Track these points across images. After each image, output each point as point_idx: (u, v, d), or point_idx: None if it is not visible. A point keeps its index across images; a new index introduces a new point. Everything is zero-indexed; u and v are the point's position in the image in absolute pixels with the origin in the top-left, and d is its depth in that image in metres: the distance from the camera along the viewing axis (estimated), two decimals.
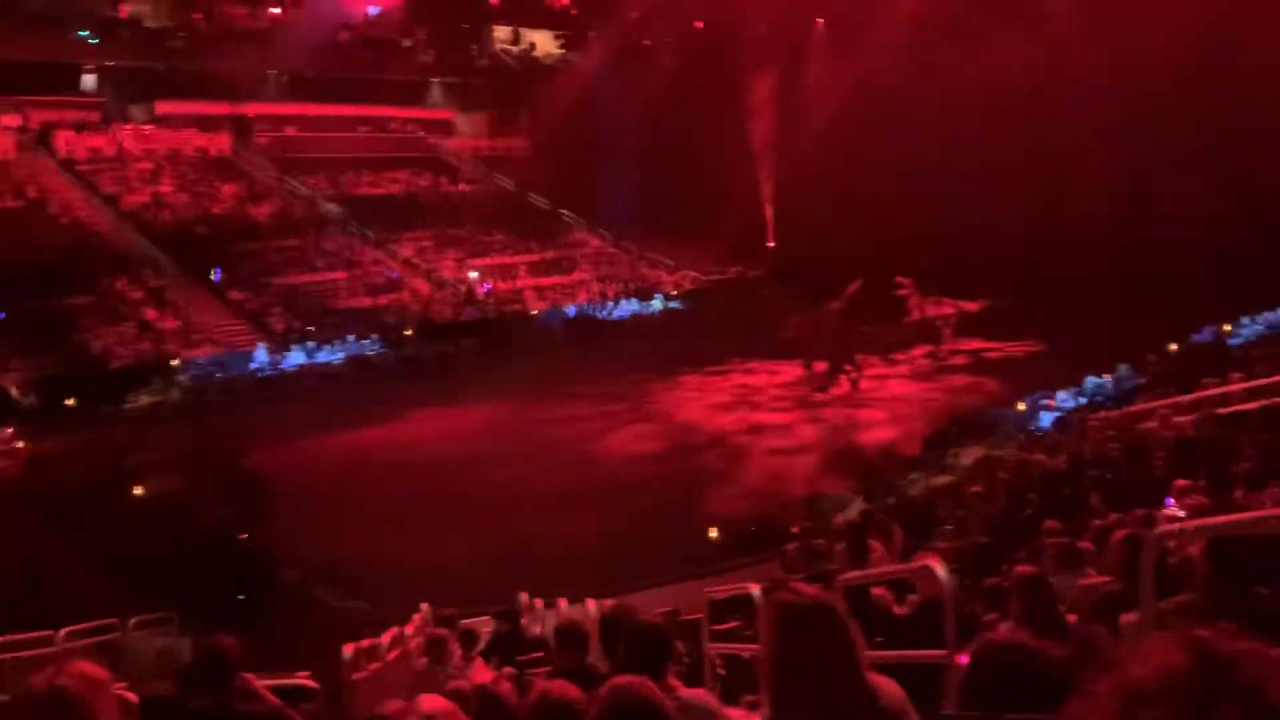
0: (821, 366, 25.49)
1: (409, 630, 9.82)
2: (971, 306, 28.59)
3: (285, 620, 13.19)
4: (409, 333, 32.44)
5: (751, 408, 24.43)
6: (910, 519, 11.97)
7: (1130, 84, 32.96)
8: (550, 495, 17.72)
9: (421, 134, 47.83)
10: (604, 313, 37.04)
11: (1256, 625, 3.80)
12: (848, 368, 25.17)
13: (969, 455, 17.76)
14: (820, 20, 44.91)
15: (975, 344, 28.84)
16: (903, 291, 28.84)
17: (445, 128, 49.55)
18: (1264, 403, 11.85)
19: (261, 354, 29.25)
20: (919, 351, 28.67)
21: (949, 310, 28.68)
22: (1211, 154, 30.79)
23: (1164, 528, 3.90)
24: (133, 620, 12.16)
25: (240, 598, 13.89)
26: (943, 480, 16.46)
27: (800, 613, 2.81)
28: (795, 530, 12.77)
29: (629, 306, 37.58)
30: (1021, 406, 19.69)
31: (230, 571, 14.20)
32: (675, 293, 39.79)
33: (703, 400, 25.44)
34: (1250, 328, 21.60)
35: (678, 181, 40.11)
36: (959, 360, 28.14)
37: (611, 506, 16.75)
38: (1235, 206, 29.58)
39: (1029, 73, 34.89)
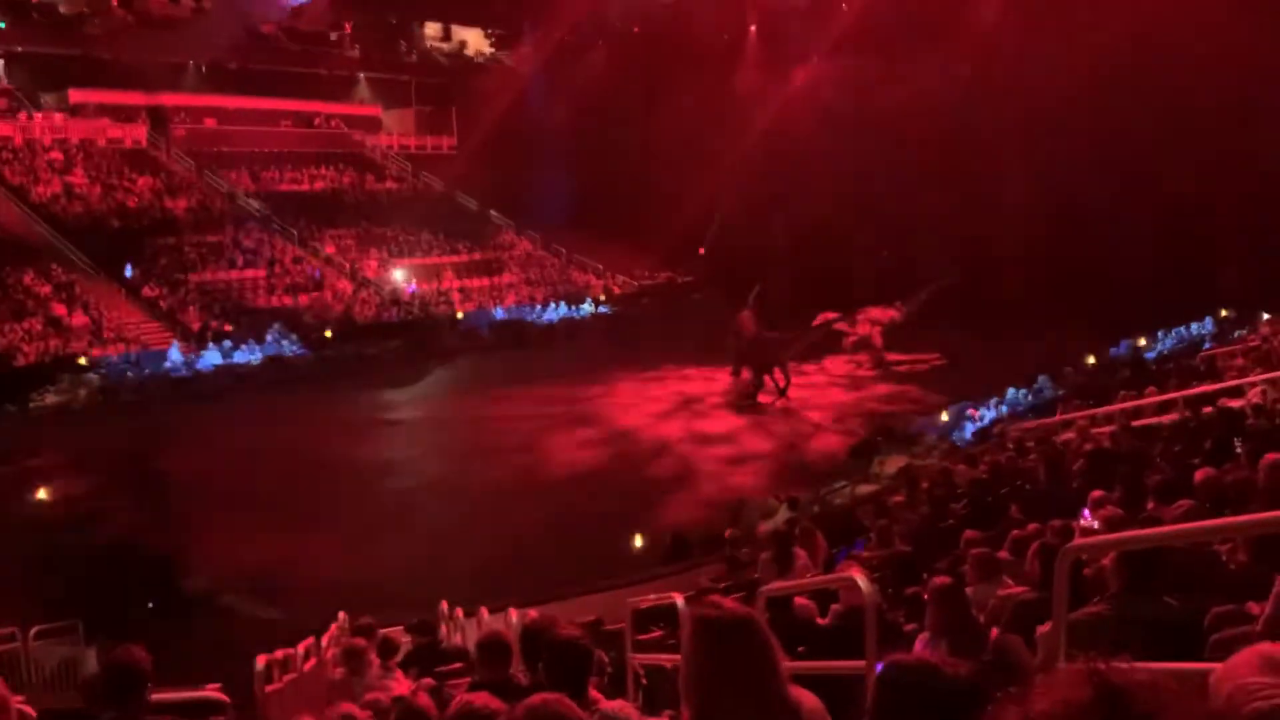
0: (746, 374, 25.63)
1: (325, 640, 9.57)
2: (889, 314, 29.10)
3: (195, 629, 12.80)
4: (329, 333, 31.84)
5: (690, 413, 24.43)
6: (834, 527, 12.07)
7: (1053, 102, 33.77)
8: (474, 500, 17.51)
9: (347, 130, 47.04)
10: (533, 316, 36.83)
11: (1166, 634, 3.85)
12: (776, 374, 25.32)
13: (893, 464, 18.00)
14: (753, 28, 45.28)
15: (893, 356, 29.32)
16: (836, 325, 29.23)
17: (372, 124, 48.80)
18: (1176, 416, 12.20)
19: (175, 353, 28.42)
20: (862, 357, 29.06)
21: (879, 318, 29.14)
22: (1133, 171, 31.70)
23: (1076, 542, 3.93)
24: (33, 629, 11.68)
25: (148, 605, 13.44)
26: (867, 489, 16.64)
27: (720, 628, 2.79)
28: (727, 536, 12.77)
29: (558, 310, 37.41)
30: (945, 417, 20.00)
31: (138, 578, 13.72)
32: (605, 297, 39.73)
33: (634, 405, 25.39)
34: (1165, 342, 22.29)
35: (609, 185, 40.13)
36: (895, 369, 28.65)
37: (538, 512, 16.60)
38: (1154, 224, 30.52)
39: (955, 87, 35.63)
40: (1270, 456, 6.73)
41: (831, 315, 28.88)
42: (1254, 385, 11.98)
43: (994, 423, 18.28)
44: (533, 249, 43.62)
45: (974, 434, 18.28)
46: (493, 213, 44.31)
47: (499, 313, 36.62)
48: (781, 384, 25.19)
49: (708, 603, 2.95)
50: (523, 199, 42.82)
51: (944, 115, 35.64)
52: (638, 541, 14.62)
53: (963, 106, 35.62)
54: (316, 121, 46.29)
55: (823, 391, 26.37)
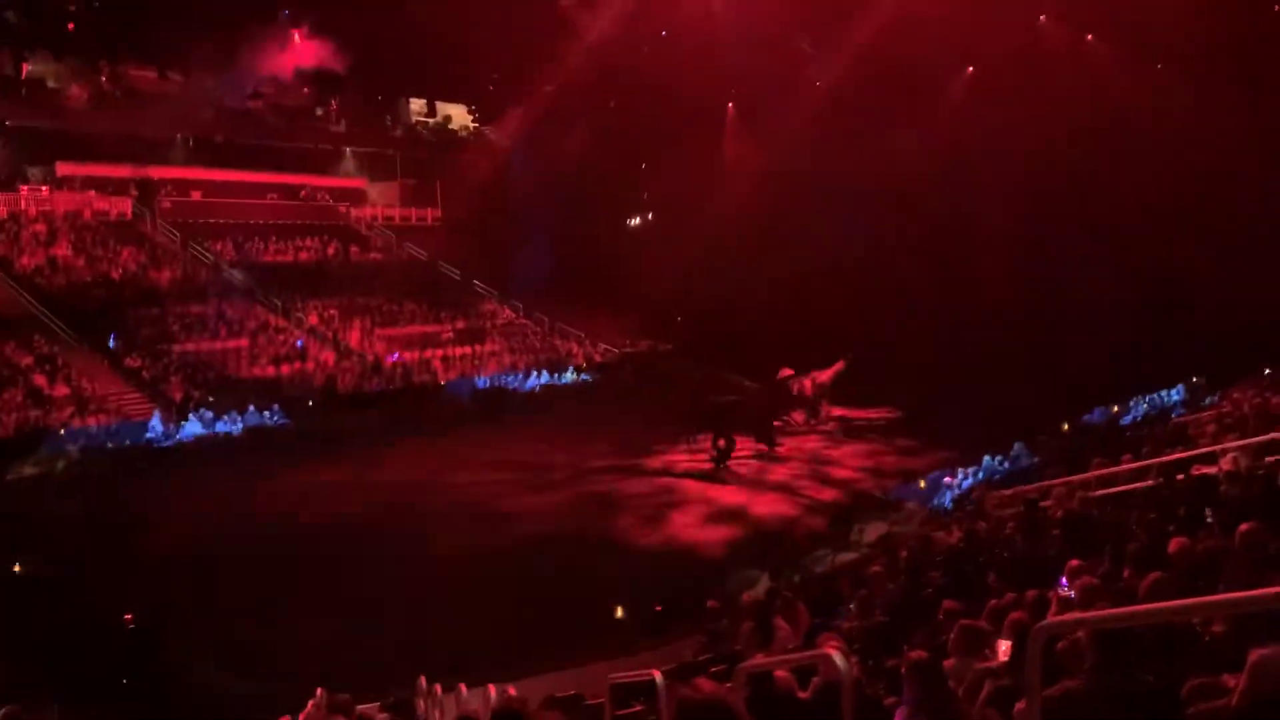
0: (705, 442, 25.96)
1: (301, 718, 9.43)
2: (828, 374, 29.85)
3: (170, 706, 12.58)
4: (312, 403, 31.75)
5: (669, 478, 24.40)
6: (816, 597, 12.04)
7: (1028, 173, 34.53)
8: (457, 573, 17.37)
9: (332, 202, 47.45)
10: (514, 383, 36.87)
11: (1142, 709, 3.90)
12: (720, 442, 25.66)
13: (873, 532, 18.03)
14: (730, 105, 46.16)
15: (841, 411, 29.94)
16: (791, 380, 29.89)
17: (357, 196, 49.28)
18: (1150, 482, 12.30)
19: (157, 423, 28.28)
20: (798, 418, 29.70)
21: (824, 379, 29.77)
22: (1105, 241, 32.33)
23: (1047, 621, 3.98)
24: (3, 710, 11.44)
25: (124, 682, 13.20)
26: (847, 557, 16.63)
27: (695, 710, 2.86)
28: (708, 607, 12.71)
29: (540, 378, 37.47)
30: (922, 484, 20.07)
31: (114, 654, 13.50)
32: (586, 365, 39.85)
33: (611, 469, 25.37)
34: (1138, 409, 22.52)
35: (590, 255, 40.55)
36: (832, 426, 29.40)
37: (518, 583, 16.48)
38: (1125, 292, 31.04)
39: (932, 158, 36.35)
40: (1244, 526, 6.82)
41: (789, 372, 29.70)
42: (1226, 452, 12.11)
43: (971, 489, 18.36)
44: (515, 317, 43.84)
45: (953, 501, 18.34)
46: (475, 282, 44.61)
47: (481, 381, 36.65)
48: (723, 448, 25.54)
49: (688, 684, 3.01)
50: (505, 268, 43.21)
51: (921, 185, 36.33)
52: (619, 613, 14.52)
53: (939, 177, 36.31)
54: (302, 194, 46.71)
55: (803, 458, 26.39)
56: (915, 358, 30.62)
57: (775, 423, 26.66)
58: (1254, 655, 4.43)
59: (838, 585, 13.33)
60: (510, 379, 37.13)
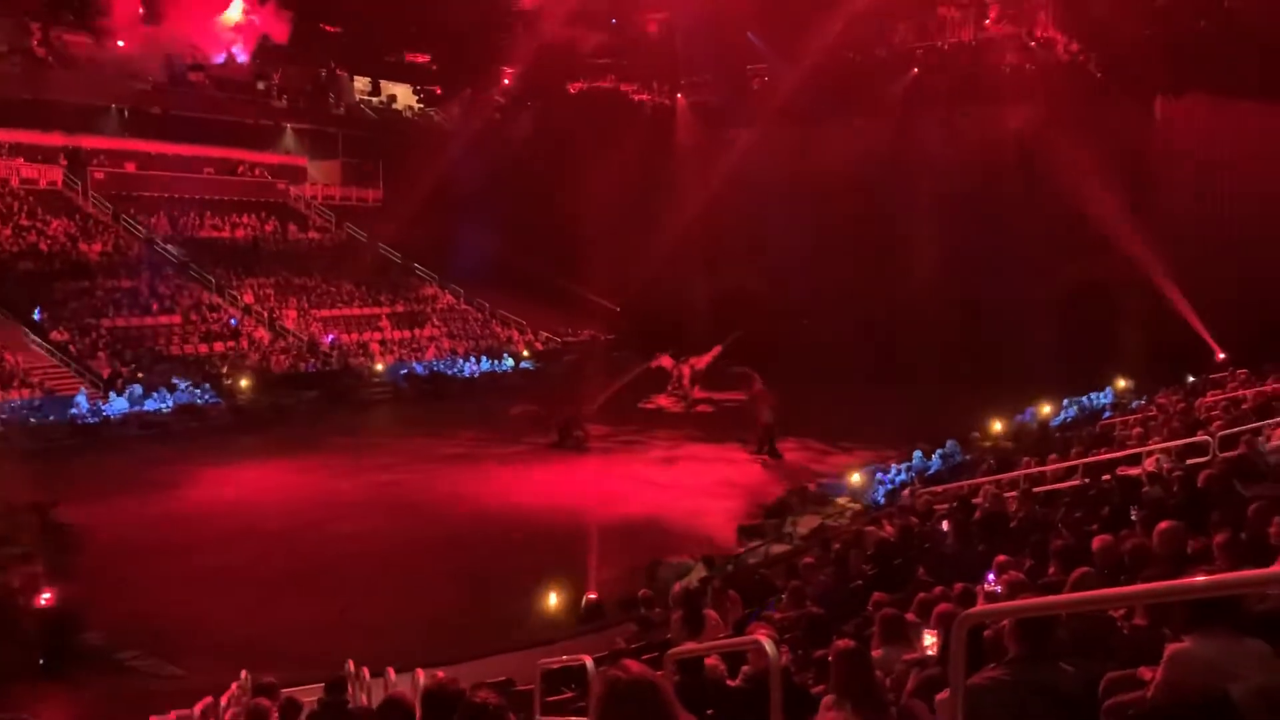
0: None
1: (224, 700, 9.28)
2: (704, 360, 30.75)
3: (90, 688, 12.29)
4: (245, 382, 31.19)
5: (604, 467, 24.35)
6: (748, 588, 12.13)
7: (964, 177, 35.05)
8: (384, 556, 17.20)
9: (270, 179, 46.58)
10: (453, 369, 36.59)
11: (1062, 700, 3.97)
12: (576, 431, 26.16)
13: (806, 525, 18.21)
14: (680, 96, 46.17)
15: (707, 394, 31.10)
16: (667, 367, 31.23)
17: (297, 174, 48.41)
18: (1076, 482, 12.59)
19: (83, 400, 27.57)
20: (670, 403, 30.93)
21: (700, 365, 31.04)
22: (1038, 248, 32.95)
23: (971, 610, 4.04)
24: None
25: (40, 663, 12.86)
26: (780, 549, 16.77)
27: (622, 689, 2.86)
28: (640, 596, 12.73)
29: (479, 365, 37.23)
30: (857, 479, 20.31)
31: (30, 634, 13.13)
32: (527, 353, 39.67)
33: (557, 461, 25.28)
34: (1068, 411, 23.03)
35: (534, 242, 40.31)
36: (703, 409, 30.44)
37: (448, 569, 16.36)
38: (1059, 297, 31.70)
39: (872, 161, 36.71)
40: (1164, 525, 7.00)
41: (666, 360, 30.96)
42: (1150, 454, 12.43)
43: (904, 485, 18.63)
44: (456, 303, 43.46)
45: (886, 496, 18.60)
46: (416, 266, 44.14)
47: (419, 366, 36.31)
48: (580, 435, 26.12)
49: (616, 664, 3.01)
50: (447, 253, 42.80)
51: (862, 188, 36.68)
52: (551, 600, 14.49)
53: (882, 176, 36.69)
54: (240, 169, 45.77)
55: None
56: (853, 356, 30.97)
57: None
58: (1170, 649, 4.55)
59: (770, 577, 13.45)
60: (449, 365, 36.85)
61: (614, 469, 24.03)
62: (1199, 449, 11.87)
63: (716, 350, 30.79)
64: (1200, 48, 30.84)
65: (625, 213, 39.58)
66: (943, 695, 4.47)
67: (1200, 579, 3.79)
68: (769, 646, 4.21)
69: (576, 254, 38.40)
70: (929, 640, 6.24)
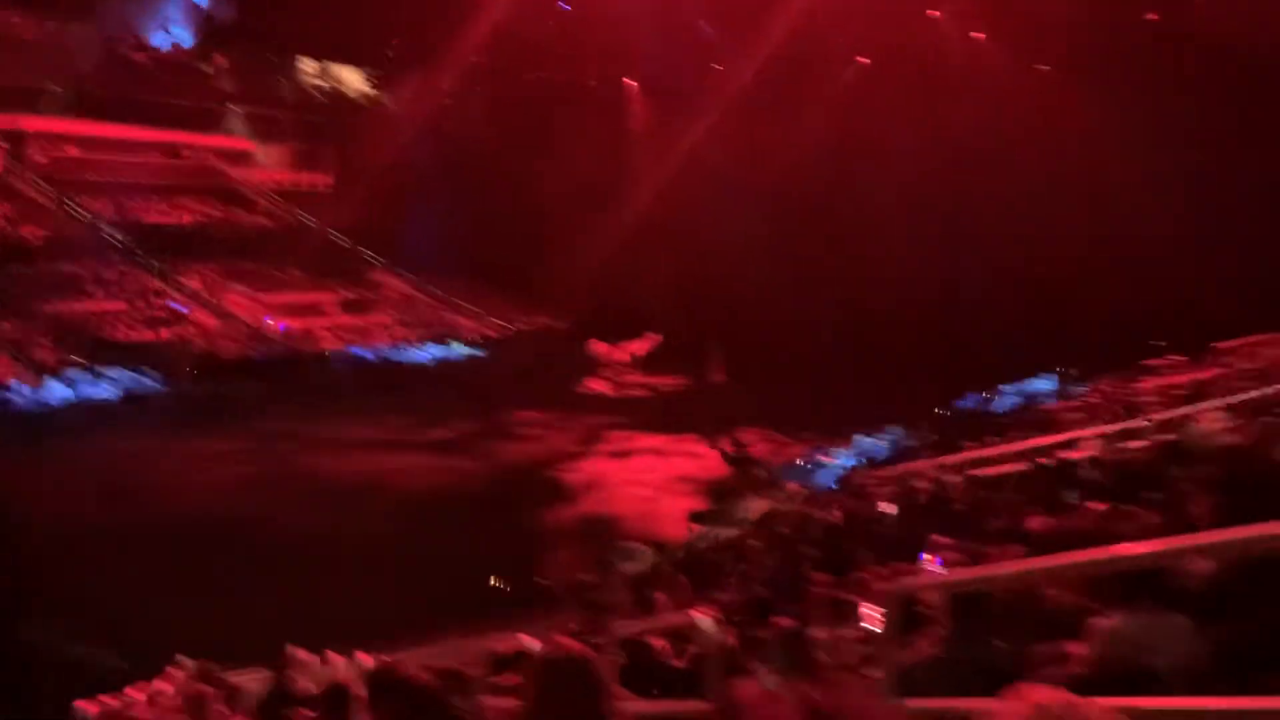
0: None
1: (164, 686, 9.17)
2: (644, 346, 31.29)
3: (31, 676, 12.09)
4: (190, 369, 30.72)
5: (561, 455, 24.37)
6: (697, 572, 12.22)
7: (918, 169, 35.36)
8: (331, 541, 17.09)
9: (217, 163, 45.77)
10: (403, 356, 36.29)
11: (993, 675, 4.06)
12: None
13: (755, 509, 18.35)
14: (633, 82, 46.06)
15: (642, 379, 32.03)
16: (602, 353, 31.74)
17: (244, 158, 47.61)
18: (1015, 466, 12.81)
19: (22, 386, 26.98)
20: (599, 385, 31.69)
21: (639, 351, 31.85)
22: (988, 239, 33.35)
23: (903, 583, 4.13)
24: None
25: None
26: (730, 534, 16.89)
27: (555, 667, 2.88)
28: (589, 580, 12.79)
29: (429, 351, 36.93)
30: (805, 464, 20.52)
31: None
32: (479, 340, 39.43)
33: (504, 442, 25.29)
34: (1009, 397, 23.44)
35: (487, 230, 40.08)
36: (638, 394, 31.24)
37: (396, 553, 16.31)
38: (1007, 288, 32.13)
39: (831, 151, 36.91)
40: (1096, 505, 7.16)
41: (600, 346, 31.38)
42: (1087, 438, 12.67)
43: (850, 469, 18.86)
44: (406, 290, 43.08)
45: (833, 481, 18.82)
46: (366, 252, 43.67)
47: (368, 352, 35.98)
48: None
49: (553, 642, 3.04)
50: (398, 240, 42.42)
51: (821, 176, 36.87)
52: (500, 585, 14.50)
53: (835, 165, 36.90)
54: (185, 153, 44.91)
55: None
56: (803, 344, 31.21)
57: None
58: (1095, 624, 4.68)
59: (719, 560, 13.55)
60: (399, 352, 36.54)
61: (569, 456, 24.04)
62: (1135, 433, 12.12)
63: (655, 339, 31.24)
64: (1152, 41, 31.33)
65: (580, 200, 39.47)
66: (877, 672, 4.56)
67: (1122, 547, 3.91)
68: (704, 622, 4.28)
69: (530, 241, 38.27)
70: (868, 617, 6.34)
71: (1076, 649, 4.72)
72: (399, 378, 34.23)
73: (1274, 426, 9.80)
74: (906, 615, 4.66)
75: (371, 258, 43.67)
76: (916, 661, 4.36)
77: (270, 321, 36.08)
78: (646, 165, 40.77)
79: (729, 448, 24.54)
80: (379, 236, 43.13)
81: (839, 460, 20.21)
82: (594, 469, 23.01)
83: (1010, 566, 5.28)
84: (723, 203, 38.42)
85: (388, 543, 17.05)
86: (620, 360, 32.14)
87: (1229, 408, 11.62)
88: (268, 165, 48.22)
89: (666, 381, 29.67)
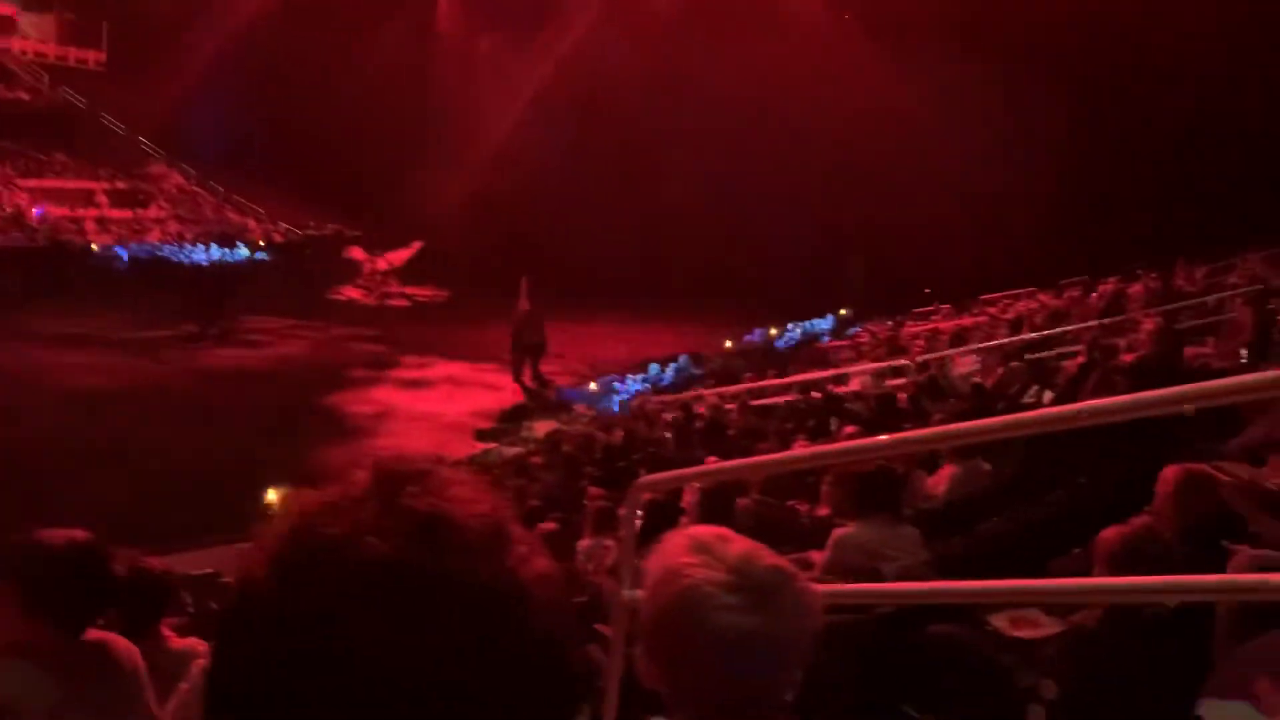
0: None
1: None
2: (403, 255, 31.50)
3: None
4: None
5: (338, 368, 23.56)
6: None
7: (722, 103, 35.89)
8: (93, 444, 16.08)
9: None
10: (180, 255, 34.09)
11: None
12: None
13: (541, 429, 18.53)
14: None
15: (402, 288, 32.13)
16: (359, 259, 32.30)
17: (5, 25, 42.99)
18: (789, 398, 13.48)
19: None
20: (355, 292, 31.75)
21: (397, 260, 32.28)
22: (775, 177, 34.36)
23: (645, 478, 4.26)
24: None
25: None
26: (514, 451, 17.01)
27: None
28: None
29: (209, 252, 34.80)
30: (593, 387, 20.82)
31: None
32: (264, 244, 37.47)
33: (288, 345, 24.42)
34: (792, 333, 24.52)
35: (280, 126, 37.90)
36: (397, 303, 31.24)
37: (164, 458, 15.53)
38: (792, 227, 33.21)
39: (638, 76, 36.88)
40: (849, 428, 7.62)
41: (358, 252, 32.41)
42: (857, 375, 13.46)
43: (637, 394, 19.29)
44: (186, 184, 40.34)
45: (620, 404, 19.19)
46: (142, 139, 40.51)
47: (141, 249, 33.60)
48: None
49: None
50: (179, 129, 39.51)
51: (627, 101, 36.82)
52: (271, 495, 14.02)
53: (644, 95, 36.93)
54: None
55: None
56: (602, 270, 31.33)
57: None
58: (836, 532, 5.01)
59: (500, 476, 13.61)
60: (175, 250, 34.30)
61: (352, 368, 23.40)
62: (900, 371, 12.96)
63: (416, 246, 31.03)
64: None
65: (378, 99, 37.93)
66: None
67: (843, 441, 4.13)
68: None
69: (327, 142, 36.55)
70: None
71: (817, 556, 5.06)
72: (174, 276, 32.10)
73: (1017, 370, 10.71)
74: (661, 515, 4.83)
75: (150, 148, 40.55)
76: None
77: (29, 207, 33.08)
78: (451, 72, 39.55)
79: (529, 382, 23.76)
80: (159, 125, 40.03)
81: (628, 386, 20.59)
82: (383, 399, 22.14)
83: (747, 461, 5.56)
84: (524, 117, 37.89)
85: (161, 446, 16.20)
86: (380, 268, 31.39)
87: (982, 352, 12.60)
88: (31, 35, 43.73)
89: (425, 292, 29.44)
